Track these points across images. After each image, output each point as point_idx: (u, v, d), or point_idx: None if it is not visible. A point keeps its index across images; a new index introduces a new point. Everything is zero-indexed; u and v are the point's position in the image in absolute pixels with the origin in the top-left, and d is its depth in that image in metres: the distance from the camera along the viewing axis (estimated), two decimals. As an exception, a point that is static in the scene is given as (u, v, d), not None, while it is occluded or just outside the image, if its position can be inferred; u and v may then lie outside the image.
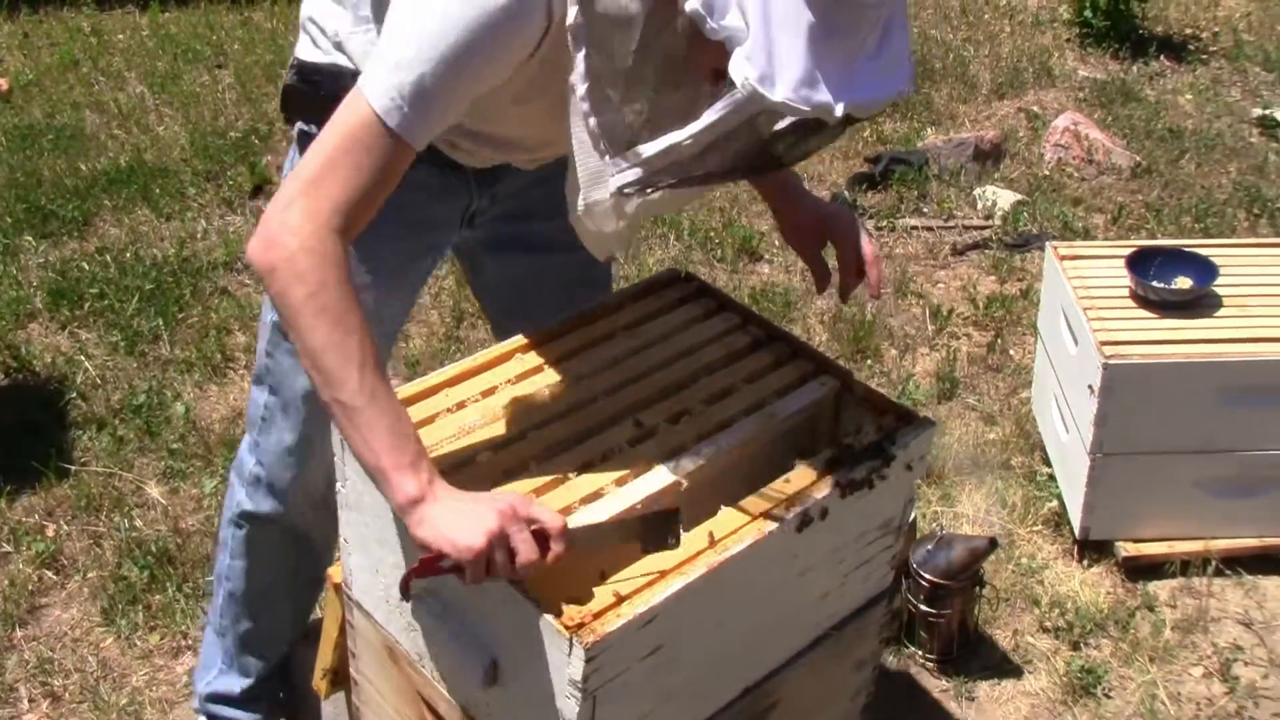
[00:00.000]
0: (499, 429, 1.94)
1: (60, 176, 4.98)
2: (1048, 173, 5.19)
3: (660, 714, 1.81)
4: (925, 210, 4.93)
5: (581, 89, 1.67)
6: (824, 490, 1.85)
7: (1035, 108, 5.78)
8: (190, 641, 2.96)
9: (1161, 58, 6.31)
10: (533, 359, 2.09)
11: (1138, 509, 3.08)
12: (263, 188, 4.92)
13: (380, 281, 2.14)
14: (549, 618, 1.63)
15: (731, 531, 1.77)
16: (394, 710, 2.12)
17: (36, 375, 3.87)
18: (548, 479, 1.85)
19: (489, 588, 1.68)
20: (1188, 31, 6.66)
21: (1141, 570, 3.11)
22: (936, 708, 2.85)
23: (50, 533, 3.28)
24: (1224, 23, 6.78)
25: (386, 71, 1.65)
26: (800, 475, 1.88)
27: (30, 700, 2.84)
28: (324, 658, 2.33)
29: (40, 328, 4.13)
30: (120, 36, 6.48)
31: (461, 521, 1.62)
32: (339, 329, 1.65)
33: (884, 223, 4.81)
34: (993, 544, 2.89)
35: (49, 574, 3.16)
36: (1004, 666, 2.93)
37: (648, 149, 1.64)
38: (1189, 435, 3.00)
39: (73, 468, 3.47)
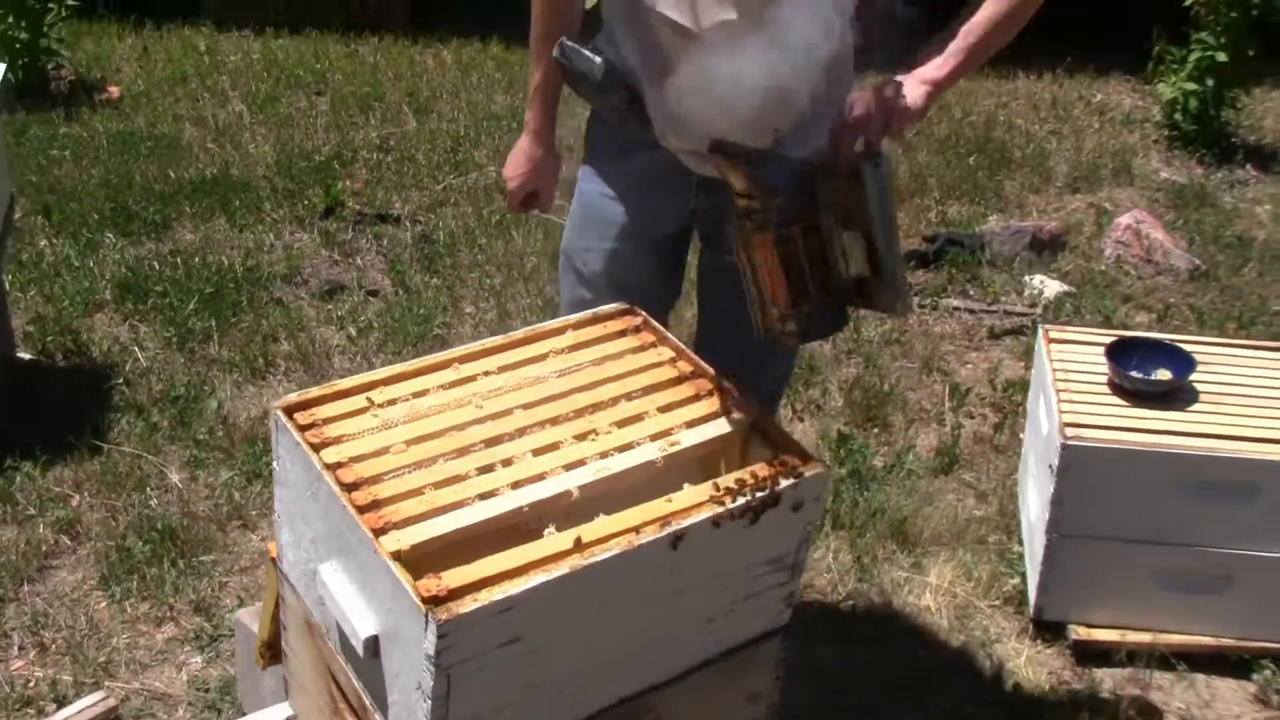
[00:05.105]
0: (419, 427, 2.10)
1: (150, 181, 5.31)
2: (1104, 268, 5.23)
3: (525, 707, 1.93)
4: (971, 293, 5.01)
5: None
6: (704, 514, 1.97)
7: (1107, 204, 5.82)
8: (175, 614, 3.15)
9: (1248, 166, 6.31)
10: (469, 369, 2.24)
11: (1091, 593, 3.10)
12: (334, 209, 5.17)
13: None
14: (411, 592, 1.77)
15: (600, 539, 1.90)
16: (309, 683, 2.26)
17: (92, 360, 4.13)
18: (450, 475, 2.00)
19: (371, 560, 1.85)
20: (1282, 142, 6.65)
21: (1091, 655, 3.13)
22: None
23: (74, 503, 3.51)
24: (1321, 135, 6.76)
25: None
26: (684, 497, 2.00)
27: (20, 648, 3.05)
28: (262, 630, 2.50)
29: (105, 318, 4.40)
30: (233, 57, 6.85)
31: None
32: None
33: (927, 300, 4.89)
34: None
35: (64, 539, 3.38)
36: (937, 732, 2.98)
37: None
38: (1144, 525, 3.01)
39: (106, 446, 3.70)
